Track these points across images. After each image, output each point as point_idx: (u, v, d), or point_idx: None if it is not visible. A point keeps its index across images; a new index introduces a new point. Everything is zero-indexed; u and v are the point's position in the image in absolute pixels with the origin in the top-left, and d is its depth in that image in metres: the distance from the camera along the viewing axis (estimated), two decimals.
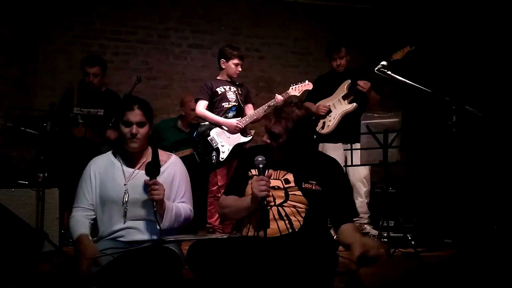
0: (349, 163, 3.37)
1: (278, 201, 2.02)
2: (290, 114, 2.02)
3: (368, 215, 3.62)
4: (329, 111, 3.64)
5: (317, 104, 3.69)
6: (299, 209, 2.01)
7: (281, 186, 2.03)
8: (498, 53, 4.18)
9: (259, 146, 2.21)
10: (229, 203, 2.11)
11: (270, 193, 1.97)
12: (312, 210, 1.99)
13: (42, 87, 4.38)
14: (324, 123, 3.68)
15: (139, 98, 2.26)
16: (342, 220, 2.03)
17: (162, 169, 2.16)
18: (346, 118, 3.60)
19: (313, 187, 2.02)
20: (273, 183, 2.03)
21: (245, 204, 2.00)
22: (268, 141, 2.04)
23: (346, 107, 3.61)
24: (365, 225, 3.56)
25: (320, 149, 3.69)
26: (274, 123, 2.02)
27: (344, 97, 3.63)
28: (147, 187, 2.03)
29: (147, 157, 2.20)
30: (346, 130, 3.56)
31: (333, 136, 3.64)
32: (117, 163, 2.17)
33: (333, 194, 1.99)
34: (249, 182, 2.06)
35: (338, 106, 3.64)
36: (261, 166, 1.94)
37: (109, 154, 2.23)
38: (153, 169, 2.06)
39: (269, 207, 1.97)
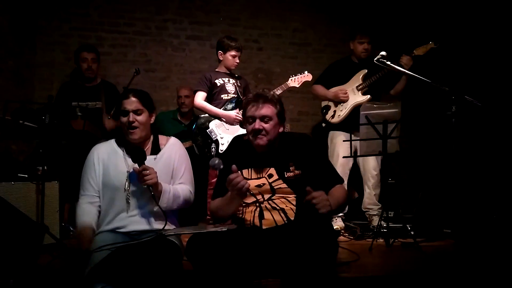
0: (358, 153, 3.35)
1: (266, 197, 2.04)
2: (273, 97, 2.11)
3: (378, 207, 3.56)
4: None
5: (334, 90, 3.63)
6: (288, 198, 2.03)
7: (266, 182, 2.06)
8: (497, 43, 4.16)
9: (236, 145, 2.22)
10: (217, 205, 2.12)
11: (257, 191, 2.00)
12: (300, 198, 2.01)
13: (40, 80, 4.35)
14: (334, 112, 3.63)
15: (137, 89, 2.25)
16: (329, 188, 2.06)
17: (161, 152, 2.16)
18: (357, 108, 3.56)
19: (294, 173, 2.05)
20: (259, 182, 2.06)
21: (229, 199, 2.01)
22: (261, 126, 2.05)
23: (360, 99, 3.55)
24: (373, 217, 3.54)
25: (330, 137, 3.68)
26: (262, 107, 2.06)
27: (358, 88, 3.58)
28: (137, 176, 2.02)
29: (149, 145, 2.19)
30: (356, 120, 3.53)
31: (345, 126, 3.58)
32: (119, 151, 2.16)
33: (313, 171, 2.01)
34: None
35: (351, 96, 3.59)
36: (221, 167, 1.99)
37: (112, 142, 2.22)
38: (138, 155, 2.05)
39: (259, 202, 1.99)
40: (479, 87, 3.83)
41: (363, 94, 3.57)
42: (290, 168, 2.06)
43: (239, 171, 1.96)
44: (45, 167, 2.80)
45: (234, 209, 2.06)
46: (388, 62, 3.14)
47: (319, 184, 2.00)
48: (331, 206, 1.89)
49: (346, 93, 3.58)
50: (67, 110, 3.61)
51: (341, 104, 3.61)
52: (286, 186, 2.04)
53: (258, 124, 2.06)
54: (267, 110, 2.06)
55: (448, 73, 4.27)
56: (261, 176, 2.08)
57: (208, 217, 3.57)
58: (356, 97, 3.58)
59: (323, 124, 3.70)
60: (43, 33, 4.37)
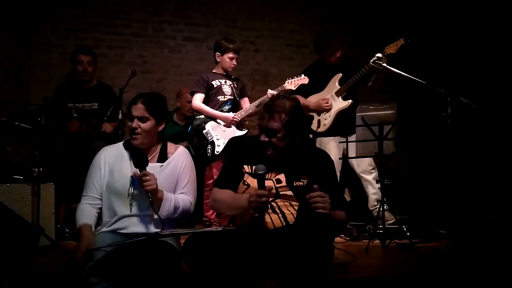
0: (348, 155, 3.34)
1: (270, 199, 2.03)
2: (283, 107, 2.01)
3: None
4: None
5: (315, 101, 3.61)
6: (292, 203, 2.02)
7: (273, 186, 2.04)
8: (493, 45, 4.19)
9: (251, 138, 2.20)
10: (223, 197, 2.09)
11: None
12: (303, 207, 2.00)
13: (36, 81, 4.34)
14: (319, 121, 3.61)
15: (150, 93, 2.23)
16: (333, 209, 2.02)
17: (168, 160, 2.17)
18: (341, 113, 3.55)
19: (304, 184, 2.02)
20: (265, 184, 2.02)
21: (240, 205, 1.98)
22: (266, 139, 2.02)
23: (341, 105, 3.53)
24: (385, 212, 3.49)
25: (317, 144, 3.65)
26: (269, 120, 2.00)
27: (337, 93, 3.56)
28: (138, 181, 2.01)
29: (156, 152, 2.19)
30: (342, 124, 3.53)
31: (333, 131, 3.57)
32: (126, 155, 2.16)
33: (324, 190, 1.99)
34: (244, 178, 2.06)
35: (333, 103, 3.55)
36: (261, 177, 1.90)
37: (119, 145, 2.22)
38: (141, 160, 2.05)
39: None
40: (475, 89, 3.85)
41: (344, 98, 3.54)
42: (302, 180, 2.02)
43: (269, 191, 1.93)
44: (41, 169, 2.79)
45: (236, 213, 2.06)
46: (384, 64, 3.16)
47: None
48: (331, 213, 1.87)
49: (328, 102, 3.54)
50: (63, 112, 3.60)
51: (324, 112, 3.58)
52: (292, 194, 2.02)
53: (263, 137, 2.03)
54: (272, 123, 2.00)
55: (444, 74, 4.29)
56: (268, 178, 2.04)
57: (204, 218, 3.57)
58: (338, 104, 3.54)
59: (311, 135, 3.69)
60: (39, 34, 4.36)
